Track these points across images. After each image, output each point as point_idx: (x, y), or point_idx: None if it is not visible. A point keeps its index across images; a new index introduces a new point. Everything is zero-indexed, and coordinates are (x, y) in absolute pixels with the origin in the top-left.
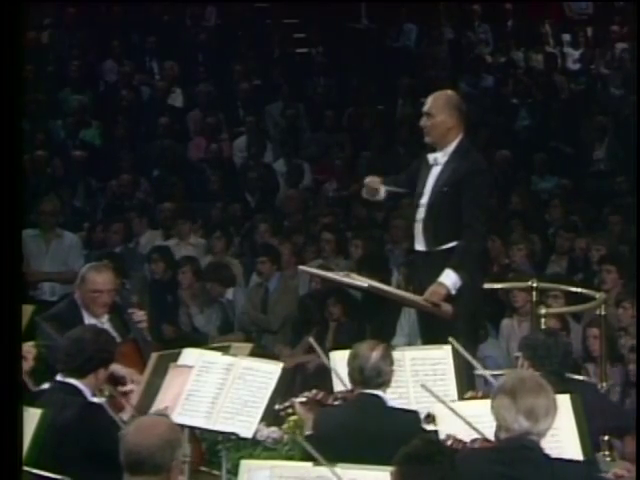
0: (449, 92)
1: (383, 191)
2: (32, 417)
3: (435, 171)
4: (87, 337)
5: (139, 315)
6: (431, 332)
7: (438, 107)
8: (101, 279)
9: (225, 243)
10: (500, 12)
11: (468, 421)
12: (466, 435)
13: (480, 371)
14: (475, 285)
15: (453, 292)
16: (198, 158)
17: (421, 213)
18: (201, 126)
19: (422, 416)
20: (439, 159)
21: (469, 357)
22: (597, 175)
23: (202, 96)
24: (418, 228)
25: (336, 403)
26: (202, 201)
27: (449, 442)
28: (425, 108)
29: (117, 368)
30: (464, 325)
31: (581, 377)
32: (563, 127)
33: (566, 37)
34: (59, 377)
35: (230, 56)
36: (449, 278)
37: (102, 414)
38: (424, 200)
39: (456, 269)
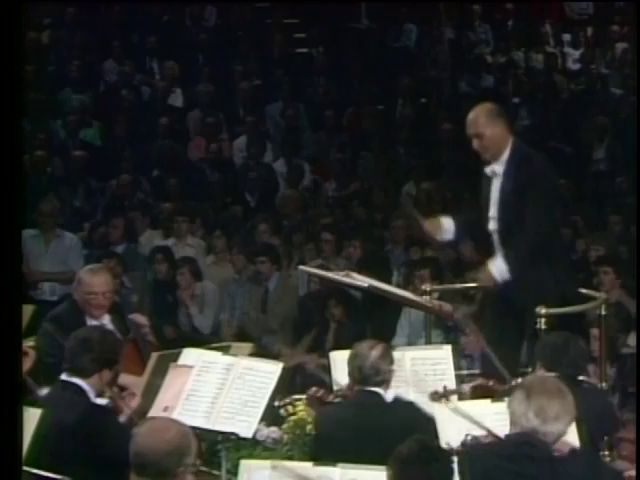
0: (487, 105)
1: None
2: (32, 417)
3: (496, 182)
4: (94, 337)
5: (141, 320)
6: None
7: (483, 124)
8: (96, 281)
9: (225, 242)
10: (500, 12)
11: (476, 420)
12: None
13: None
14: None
15: (499, 279)
16: (198, 158)
17: (493, 225)
18: (201, 126)
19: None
20: (496, 170)
21: (498, 365)
22: (597, 175)
23: (202, 96)
24: (495, 239)
25: (336, 400)
26: (202, 201)
27: (468, 438)
28: (471, 130)
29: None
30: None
31: (582, 377)
32: (563, 127)
33: (566, 37)
34: (64, 376)
35: (230, 56)
36: (495, 265)
37: (106, 416)
38: (492, 212)
39: (506, 258)
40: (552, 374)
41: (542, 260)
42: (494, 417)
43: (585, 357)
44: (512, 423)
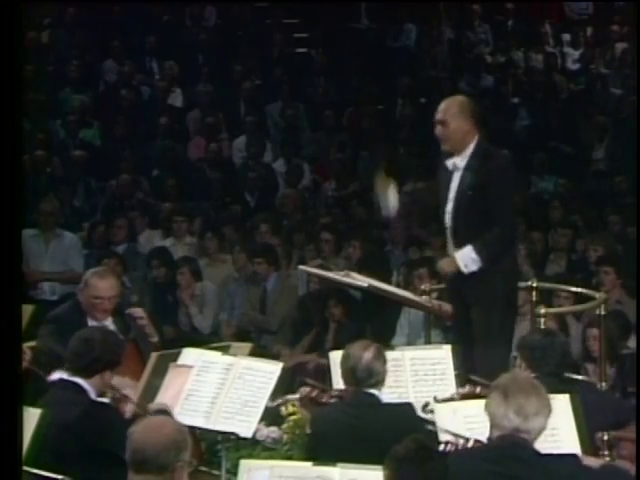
0: (460, 98)
1: (392, 196)
2: (32, 417)
3: (457, 176)
4: (96, 337)
5: (138, 312)
6: (460, 331)
7: (451, 115)
8: (103, 285)
9: (217, 244)
10: (500, 12)
11: (456, 433)
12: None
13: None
14: (511, 286)
15: (464, 268)
16: (198, 158)
17: (448, 220)
18: (201, 126)
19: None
20: (458, 164)
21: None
22: (597, 175)
23: (202, 96)
24: (448, 234)
25: (332, 401)
26: (201, 201)
27: (442, 446)
28: (438, 116)
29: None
30: (500, 327)
31: (580, 377)
32: (563, 127)
33: (566, 37)
34: (64, 376)
35: (230, 56)
36: (462, 253)
37: (107, 412)
38: (450, 207)
39: (476, 248)
40: (534, 374)
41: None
42: None
43: (569, 355)
44: (493, 426)
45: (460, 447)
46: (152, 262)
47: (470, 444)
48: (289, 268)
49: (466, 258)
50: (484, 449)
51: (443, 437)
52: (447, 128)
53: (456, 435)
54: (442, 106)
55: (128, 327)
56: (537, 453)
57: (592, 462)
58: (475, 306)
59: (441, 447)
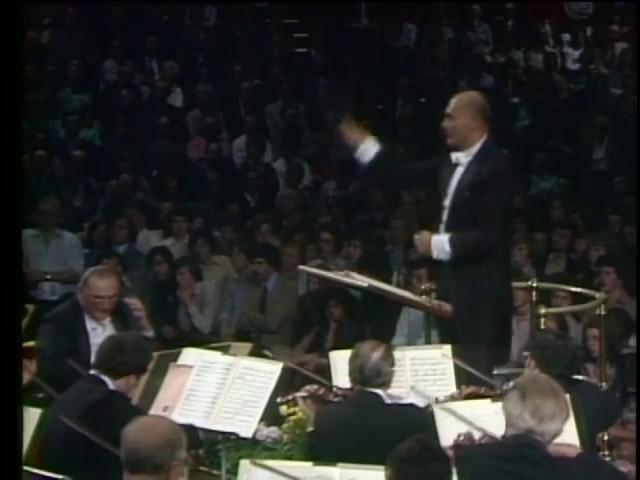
0: (473, 94)
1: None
2: (32, 417)
3: (458, 172)
4: (128, 342)
5: (135, 303)
6: (448, 334)
7: (460, 110)
8: (103, 284)
9: (209, 249)
10: (500, 12)
11: (471, 421)
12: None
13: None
14: (497, 287)
15: (434, 254)
16: (197, 158)
17: (444, 215)
18: (200, 126)
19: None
20: (461, 159)
21: (478, 373)
22: (597, 175)
23: (202, 96)
24: (442, 229)
25: (336, 400)
26: (201, 201)
27: (460, 438)
28: (447, 110)
29: None
30: (485, 328)
31: (580, 377)
32: (563, 127)
33: (566, 37)
34: (92, 371)
35: (230, 56)
36: (438, 240)
37: (123, 403)
38: (447, 202)
39: (452, 240)
40: (545, 375)
41: (481, 261)
42: (494, 417)
43: (580, 356)
44: (508, 425)
45: (473, 441)
46: (155, 258)
47: (484, 440)
48: (293, 268)
49: (439, 246)
50: (496, 447)
51: (451, 433)
52: (453, 122)
53: (475, 427)
54: (453, 99)
55: (127, 327)
56: (548, 456)
57: (567, 450)
58: (460, 307)
59: (460, 438)
